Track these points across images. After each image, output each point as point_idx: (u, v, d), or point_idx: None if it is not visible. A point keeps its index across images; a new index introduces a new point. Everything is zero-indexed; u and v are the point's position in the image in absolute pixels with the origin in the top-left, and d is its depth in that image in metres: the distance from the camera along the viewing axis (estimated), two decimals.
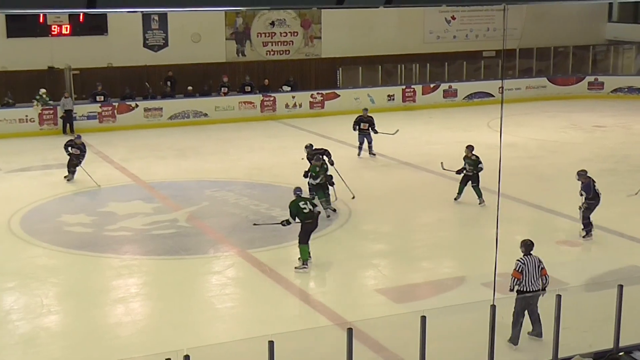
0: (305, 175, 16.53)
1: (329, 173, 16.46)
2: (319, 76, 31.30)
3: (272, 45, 30.96)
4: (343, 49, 31.44)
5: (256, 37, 30.60)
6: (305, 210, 13.48)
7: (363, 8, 30.23)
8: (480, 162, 16.66)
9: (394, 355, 10.32)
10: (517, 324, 10.38)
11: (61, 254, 14.49)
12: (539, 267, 10.53)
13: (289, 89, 29.34)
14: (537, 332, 10.53)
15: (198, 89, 28.39)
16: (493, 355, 9.01)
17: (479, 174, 16.69)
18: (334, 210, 16.38)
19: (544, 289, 10.51)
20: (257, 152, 22.39)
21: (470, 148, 16.95)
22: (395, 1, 7.03)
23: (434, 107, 30.32)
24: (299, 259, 13.49)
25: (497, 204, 14.00)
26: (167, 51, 29.07)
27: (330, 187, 16.41)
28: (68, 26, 27.39)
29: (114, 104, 26.63)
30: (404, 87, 30.75)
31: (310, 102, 29.16)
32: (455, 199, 17.05)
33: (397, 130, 21.81)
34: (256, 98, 28.44)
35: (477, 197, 16.72)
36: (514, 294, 10.45)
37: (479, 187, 16.70)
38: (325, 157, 17.23)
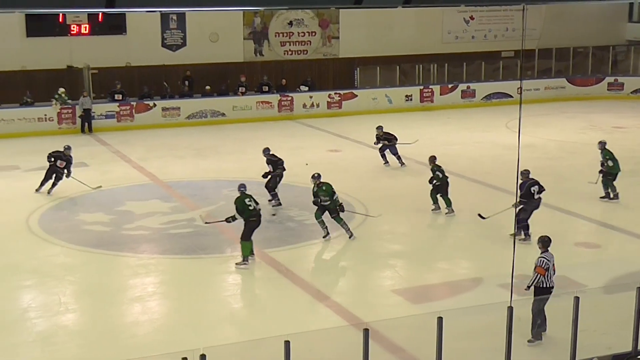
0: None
1: (336, 198, 14.83)
2: (336, 76, 31.31)
3: (289, 45, 30.97)
4: (361, 49, 31.43)
5: (274, 36, 30.63)
6: (250, 208, 13.53)
7: (381, 8, 30.31)
8: (440, 171, 16.40)
9: (411, 356, 10.28)
10: (535, 324, 10.31)
11: (79, 253, 14.57)
12: (553, 264, 10.48)
13: (307, 88, 29.37)
14: (542, 329, 10.46)
15: (216, 88, 28.48)
16: (510, 356, 8.97)
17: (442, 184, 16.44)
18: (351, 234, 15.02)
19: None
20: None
21: (432, 159, 16.66)
22: (413, 1, 7.04)
23: (452, 108, 30.28)
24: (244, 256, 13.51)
25: (515, 205, 14.01)
26: (185, 51, 29.17)
27: (340, 213, 14.90)
28: (87, 26, 27.55)
29: (132, 103, 26.77)
30: (421, 87, 30.72)
31: (327, 102, 29.17)
32: (432, 210, 16.64)
33: (417, 140, 21.76)
34: (274, 98, 28.48)
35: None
36: (531, 294, 10.37)
37: (447, 197, 16.43)
38: (279, 168, 17.19)
